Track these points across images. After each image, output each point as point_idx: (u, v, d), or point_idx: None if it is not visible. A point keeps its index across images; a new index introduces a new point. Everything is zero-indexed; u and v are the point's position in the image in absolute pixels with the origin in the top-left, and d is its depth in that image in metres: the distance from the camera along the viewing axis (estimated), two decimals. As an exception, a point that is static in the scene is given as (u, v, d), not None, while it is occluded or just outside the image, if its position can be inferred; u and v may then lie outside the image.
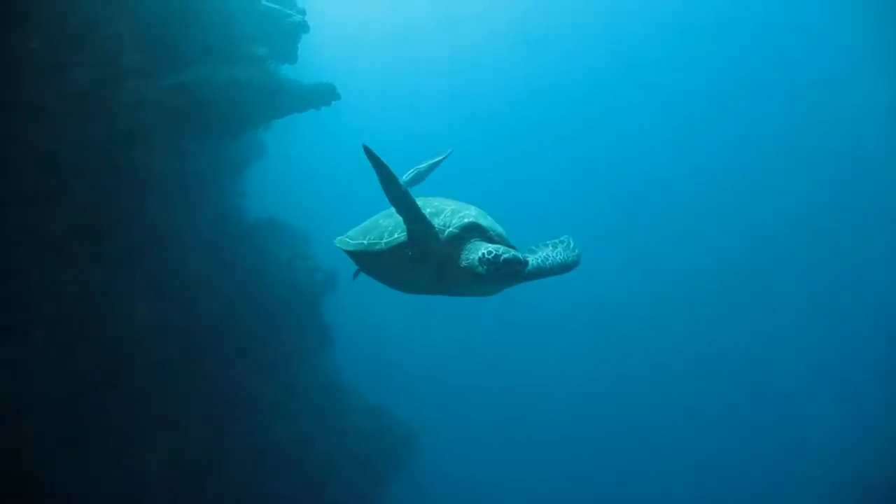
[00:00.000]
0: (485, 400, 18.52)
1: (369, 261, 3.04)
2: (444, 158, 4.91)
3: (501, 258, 2.51)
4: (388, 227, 2.91)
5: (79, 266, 5.81)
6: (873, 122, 20.03)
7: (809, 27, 21.08)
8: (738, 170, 24.28)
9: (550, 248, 3.04)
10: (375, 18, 22.39)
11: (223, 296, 7.26)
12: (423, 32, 23.93)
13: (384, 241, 2.84)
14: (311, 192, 19.21)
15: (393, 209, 2.94)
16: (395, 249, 2.79)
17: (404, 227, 2.73)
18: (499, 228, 2.90)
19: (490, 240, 2.77)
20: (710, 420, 19.00)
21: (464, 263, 2.64)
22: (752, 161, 24.02)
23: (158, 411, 6.54)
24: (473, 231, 2.75)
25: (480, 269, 2.55)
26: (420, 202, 2.69)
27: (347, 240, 3.14)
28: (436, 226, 2.69)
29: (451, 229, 2.72)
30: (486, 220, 2.87)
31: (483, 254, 2.55)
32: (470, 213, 2.84)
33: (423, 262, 2.73)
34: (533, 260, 2.99)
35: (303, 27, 7.89)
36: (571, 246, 3.06)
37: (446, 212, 2.83)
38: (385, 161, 2.46)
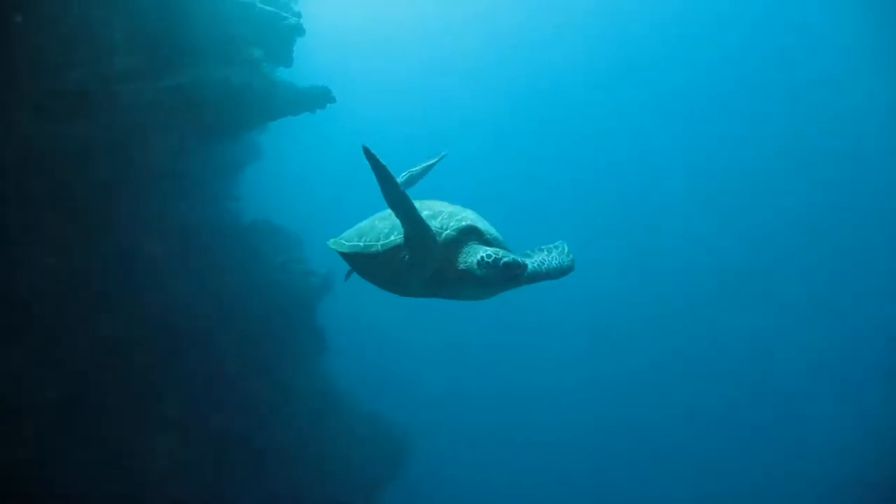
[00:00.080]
0: (482, 403, 18.49)
1: (364, 263, 3.02)
2: (436, 162, 4.94)
3: (501, 262, 2.51)
4: (384, 229, 2.90)
5: (77, 266, 5.82)
6: (873, 122, 20.01)
7: (809, 27, 21.06)
8: (738, 170, 24.25)
9: (546, 252, 3.05)
10: (371, 21, 22.42)
11: (218, 298, 7.27)
12: (418, 36, 24.00)
13: (380, 242, 2.83)
14: (306, 195, 19.17)
15: (388, 211, 2.94)
16: (392, 251, 2.77)
17: (401, 229, 2.71)
18: (495, 232, 2.90)
19: (487, 243, 2.77)
20: (710, 420, 18.99)
21: (462, 266, 2.64)
22: (752, 161, 23.99)
23: (156, 412, 6.55)
24: (471, 234, 2.75)
25: (479, 272, 2.55)
26: (417, 205, 2.68)
27: (342, 241, 3.12)
28: (433, 228, 2.67)
29: (448, 232, 2.72)
30: (482, 224, 2.87)
31: (482, 257, 2.55)
32: (467, 216, 2.84)
33: (420, 264, 2.72)
34: (530, 264, 2.99)
35: (298, 30, 7.86)
36: (566, 251, 3.07)
37: (443, 214, 2.82)
38: (384, 163, 2.46)
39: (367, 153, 2.43)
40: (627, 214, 24.85)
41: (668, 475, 17.01)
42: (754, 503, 16.67)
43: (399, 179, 4.69)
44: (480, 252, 2.59)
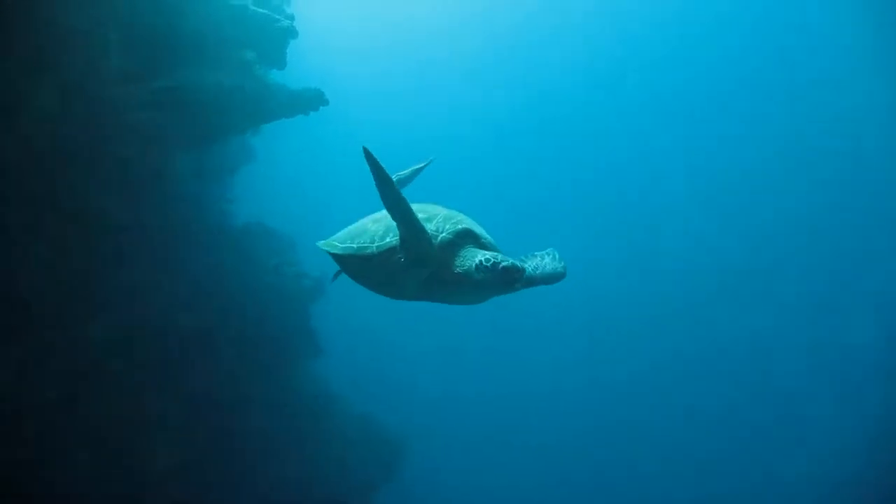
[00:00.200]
0: (478, 405, 18.48)
1: (357, 265, 2.98)
2: (424, 166, 4.96)
3: (500, 265, 2.49)
4: (378, 230, 2.87)
5: (77, 266, 5.83)
6: (873, 122, 20.00)
7: (809, 27, 21.06)
8: (738, 170, 24.25)
9: (539, 258, 3.03)
10: (365, 24, 22.47)
11: (214, 300, 7.27)
12: (412, 38, 24.03)
13: (375, 244, 2.80)
14: (299, 198, 19.15)
15: (382, 213, 2.94)
16: (387, 254, 2.75)
17: (396, 231, 2.70)
18: (489, 237, 2.89)
19: (483, 247, 2.75)
20: (710, 420, 19.00)
21: (459, 270, 2.62)
22: (752, 161, 23.99)
23: (156, 413, 6.57)
24: (467, 237, 2.74)
25: (477, 275, 2.53)
26: (412, 207, 2.68)
27: (335, 243, 3.07)
28: (428, 231, 2.66)
29: (444, 235, 2.70)
30: (478, 228, 2.86)
31: (481, 261, 2.53)
32: (463, 220, 2.83)
33: (415, 267, 2.70)
34: (527, 268, 2.97)
35: (291, 32, 7.87)
36: (557, 258, 3.05)
37: (438, 217, 2.81)
38: (382, 164, 2.45)
39: (367, 154, 2.43)
40: (627, 214, 24.84)
41: (668, 475, 17.01)
42: (754, 503, 16.67)
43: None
44: (479, 256, 2.57)
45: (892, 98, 18.42)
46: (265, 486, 7.84)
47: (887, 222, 20.54)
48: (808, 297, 21.57)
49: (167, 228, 6.88)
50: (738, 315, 21.30)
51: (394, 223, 2.68)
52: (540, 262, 2.98)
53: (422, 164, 5.03)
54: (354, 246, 2.90)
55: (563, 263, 3.00)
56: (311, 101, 7.99)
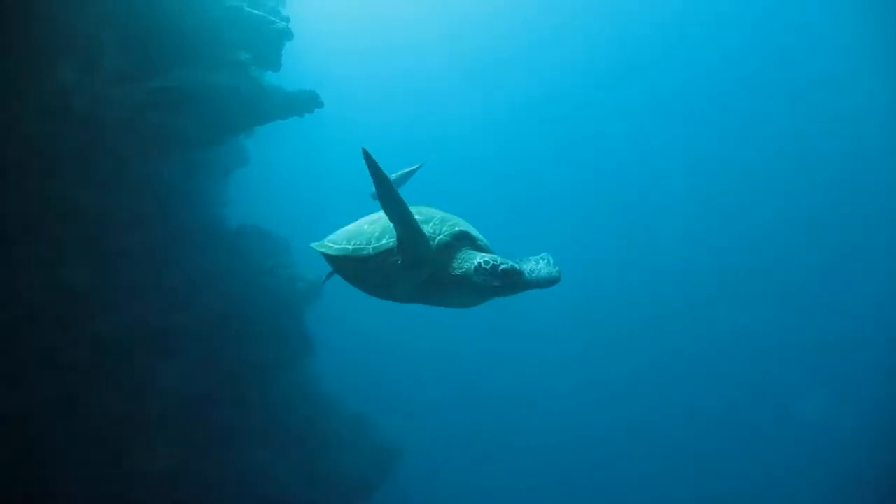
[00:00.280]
0: (478, 406, 18.49)
1: (353, 266, 2.95)
2: (417, 169, 4.97)
3: (500, 268, 2.48)
4: (374, 232, 2.85)
5: (76, 266, 5.84)
6: (873, 122, 20.01)
7: (809, 27, 21.07)
8: (738, 170, 24.27)
9: (533, 262, 3.00)
10: (360, 27, 22.55)
11: (205, 303, 7.27)
12: (407, 40, 24.07)
13: (371, 246, 2.78)
14: (294, 200, 19.13)
15: (377, 215, 2.93)
16: (383, 255, 2.72)
17: (392, 232, 2.68)
18: (485, 239, 2.88)
19: (480, 249, 2.74)
20: (710, 420, 19.00)
21: (457, 272, 2.60)
22: (752, 161, 24.01)
23: (155, 413, 6.57)
24: (463, 240, 2.73)
25: (476, 278, 2.52)
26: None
27: (329, 244, 3.03)
28: (425, 233, 2.65)
29: (441, 237, 2.69)
30: (474, 230, 2.85)
31: (480, 263, 2.51)
32: (459, 222, 2.82)
33: (411, 269, 2.68)
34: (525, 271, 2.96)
35: (286, 34, 7.83)
36: (552, 262, 3.04)
37: (435, 219, 2.80)
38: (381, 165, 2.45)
39: (366, 155, 2.43)
40: (627, 214, 24.86)
41: (668, 475, 17.01)
42: (754, 503, 16.68)
43: None
44: (477, 258, 2.56)
45: (892, 98, 18.42)
46: (262, 487, 7.84)
47: (887, 222, 20.54)
48: (807, 297, 21.58)
49: (165, 228, 6.88)
50: (738, 315, 21.30)
51: (390, 225, 2.67)
52: (535, 265, 2.97)
53: (414, 167, 5.04)
54: (350, 247, 2.87)
55: (557, 268, 2.98)
56: (305, 102, 7.98)
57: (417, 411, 15.80)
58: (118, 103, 5.91)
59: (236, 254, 8.58)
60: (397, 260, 2.69)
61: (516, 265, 2.54)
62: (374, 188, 5.43)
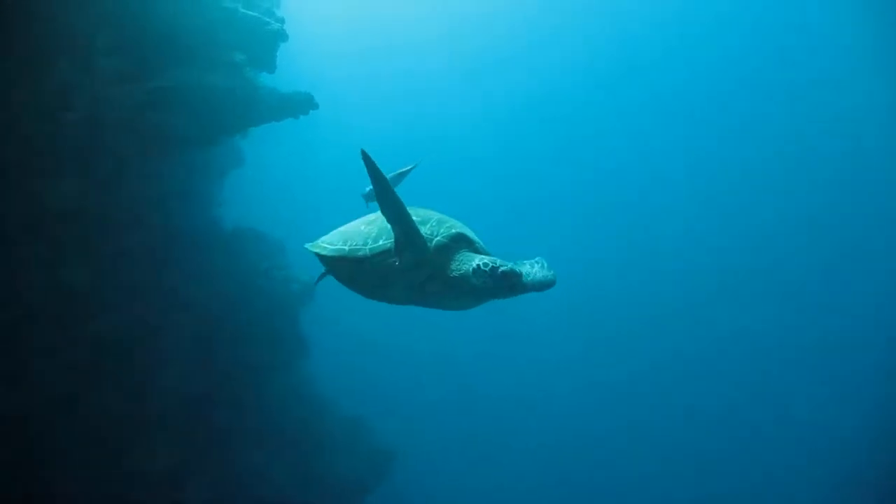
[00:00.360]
0: (477, 407, 18.45)
1: (348, 267, 2.92)
2: (411, 169, 4.97)
3: (499, 270, 2.47)
4: (370, 233, 2.83)
5: (75, 266, 5.84)
6: (873, 122, 20.02)
7: (809, 27, 21.07)
8: (738, 170, 24.28)
9: (528, 265, 2.97)
10: (355, 28, 22.58)
11: (201, 304, 7.26)
12: (403, 42, 24.07)
13: (368, 247, 2.76)
14: (288, 202, 19.09)
15: (373, 216, 2.93)
16: (380, 256, 2.71)
17: (389, 233, 2.67)
18: (481, 241, 2.87)
19: (477, 251, 2.74)
20: (710, 420, 19.00)
21: (455, 274, 2.59)
22: (752, 161, 24.01)
23: (154, 413, 6.58)
24: (461, 241, 2.72)
25: (475, 280, 2.51)
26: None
27: (325, 245, 3.00)
28: (423, 234, 2.64)
29: (439, 238, 2.68)
30: (470, 232, 2.84)
31: (479, 265, 2.50)
32: (456, 224, 2.82)
33: (409, 270, 2.67)
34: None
35: (281, 35, 7.80)
36: (546, 266, 3.03)
37: (432, 221, 2.79)
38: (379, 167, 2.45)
39: (365, 157, 2.43)
40: (627, 214, 24.87)
41: (668, 475, 17.01)
42: (754, 503, 16.68)
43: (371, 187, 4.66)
44: (476, 260, 2.55)
45: (892, 98, 18.43)
46: (257, 488, 7.84)
47: (887, 222, 20.55)
48: (807, 297, 21.59)
49: (163, 229, 6.88)
50: (738, 315, 21.31)
51: (387, 226, 2.66)
52: (530, 269, 2.96)
53: (408, 168, 5.03)
54: (346, 248, 2.85)
55: (552, 272, 2.97)
56: (300, 104, 7.94)
57: (415, 413, 15.78)
58: (117, 103, 5.92)
59: (231, 255, 8.56)
60: (395, 261, 2.68)
61: (515, 267, 2.53)
62: (365, 189, 5.44)
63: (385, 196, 2.51)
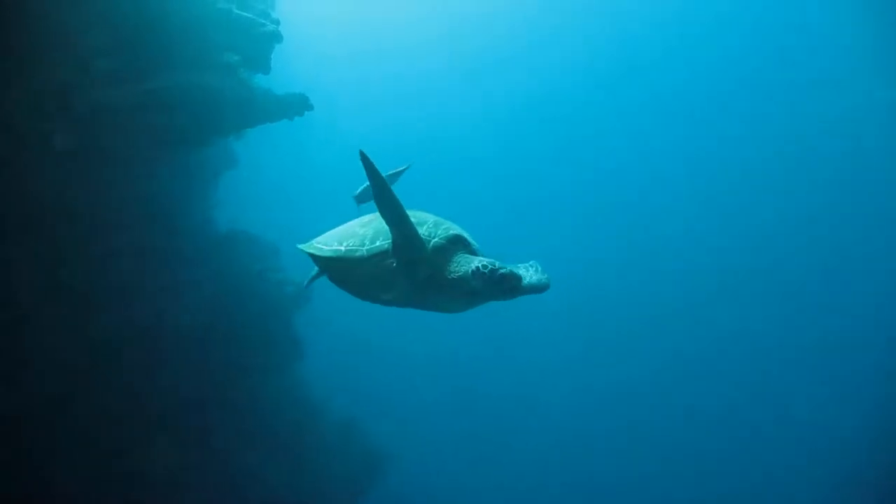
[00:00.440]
0: (477, 408, 18.43)
1: (344, 268, 2.90)
2: (404, 170, 4.96)
3: (498, 272, 2.45)
4: (367, 234, 2.81)
5: (74, 266, 5.85)
6: (873, 122, 20.03)
7: (809, 27, 21.07)
8: (738, 170, 24.27)
9: (522, 269, 3.01)
10: (350, 30, 22.56)
11: (194, 307, 7.25)
12: (399, 44, 24.09)
13: (365, 248, 2.74)
14: (283, 204, 19.00)
15: (369, 217, 2.92)
16: (377, 257, 2.69)
17: (386, 235, 2.65)
18: (477, 243, 2.86)
19: (474, 253, 2.73)
20: (710, 420, 19.00)
21: (453, 276, 2.58)
22: (752, 161, 24.01)
23: (154, 414, 6.58)
24: (458, 243, 2.71)
25: (474, 282, 2.49)
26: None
27: (320, 246, 2.97)
28: (420, 236, 2.63)
29: (436, 240, 2.67)
30: (467, 234, 2.83)
31: (477, 267, 2.49)
32: (453, 226, 2.81)
33: (405, 272, 2.66)
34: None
35: (276, 37, 7.75)
36: (540, 270, 3.03)
37: (429, 223, 2.78)
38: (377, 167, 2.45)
39: (363, 157, 2.42)
40: (627, 214, 24.86)
41: (668, 475, 17.00)
42: (754, 503, 16.67)
43: (364, 188, 4.65)
44: (475, 262, 2.53)
45: (892, 98, 18.42)
46: (251, 490, 7.83)
47: (887, 222, 20.55)
48: (807, 297, 21.58)
49: (160, 230, 6.88)
50: (738, 315, 21.30)
51: (384, 227, 2.65)
52: (525, 272, 2.97)
53: (401, 169, 5.03)
54: (343, 249, 2.82)
55: (546, 275, 2.97)
56: (295, 105, 7.92)
57: (409, 415, 15.75)
58: (112, 104, 5.90)
59: (225, 257, 8.53)
60: (392, 262, 2.66)
61: (514, 269, 2.52)
62: (356, 191, 5.46)
63: (384, 197, 2.49)
